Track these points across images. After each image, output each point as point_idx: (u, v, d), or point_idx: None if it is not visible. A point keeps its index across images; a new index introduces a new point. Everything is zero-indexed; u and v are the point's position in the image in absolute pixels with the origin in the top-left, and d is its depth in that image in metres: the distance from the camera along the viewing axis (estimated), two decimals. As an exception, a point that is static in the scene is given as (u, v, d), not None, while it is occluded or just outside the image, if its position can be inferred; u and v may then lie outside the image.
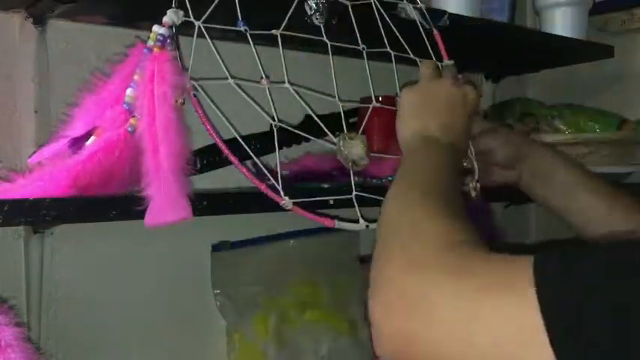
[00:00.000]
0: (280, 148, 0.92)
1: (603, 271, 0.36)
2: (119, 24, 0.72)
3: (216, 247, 0.86)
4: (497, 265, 0.40)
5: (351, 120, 1.00)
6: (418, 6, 0.79)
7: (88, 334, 0.76)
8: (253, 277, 0.89)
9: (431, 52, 0.79)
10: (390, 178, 0.80)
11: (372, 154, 0.69)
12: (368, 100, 0.86)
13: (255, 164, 0.88)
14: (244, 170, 0.60)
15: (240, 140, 0.62)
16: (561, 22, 1.02)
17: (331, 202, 0.65)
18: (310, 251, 0.95)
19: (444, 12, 0.82)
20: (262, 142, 0.90)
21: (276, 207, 0.60)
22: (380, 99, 0.77)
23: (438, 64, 0.77)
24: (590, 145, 0.95)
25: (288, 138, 0.92)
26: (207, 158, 0.81)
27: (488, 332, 0.37)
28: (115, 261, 0.79)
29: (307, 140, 0.84)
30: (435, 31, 0.80)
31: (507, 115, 1.04)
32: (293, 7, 0.67)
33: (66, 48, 0.73)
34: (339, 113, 0.79)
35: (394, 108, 0.75)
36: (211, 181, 0.79)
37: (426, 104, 0.68)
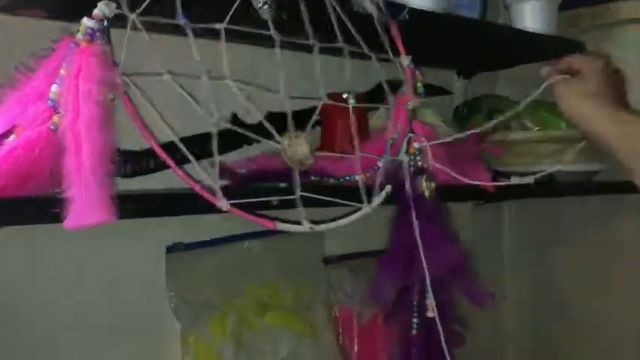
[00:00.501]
0: (240, 146, 0.91)
1: None
2: (60, 17, 0.70)
3: (171, 249, 0.84)
4: None
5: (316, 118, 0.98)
6: (375, 1, 0.76)
7: (37, 339, 0.74)
8: (210, 278, 0.87)
9: (388, 48, 0.76)
10: (347, 178, 0.78)
11: (320, 154, 0.67)
12: (333, 97, 0.84)
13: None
14: (179, 172, 0.58)
15: (177, 141, 0.59)
16: (531, 17, 1.00)
17: (274, 202, 0.63)
18: (272, 252, 0.93)
19: (404, 6, 0.80)
20: (220, 141, 0.88)
21: (213, 208, 0.58)
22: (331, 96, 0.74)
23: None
24: (559, 143, 0.93)
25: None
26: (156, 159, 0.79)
27: None
28: (65, 263, 0.76)
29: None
30: (394, 28, 0.77)
31: (476, 112, 1.02)
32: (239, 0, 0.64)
33: (5, 43, 0.70)
34: (302, 110, 0.77)
35: (345, 105, 0.73)
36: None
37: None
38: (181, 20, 0.59)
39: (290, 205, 0.63)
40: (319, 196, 0.64)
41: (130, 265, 0.81)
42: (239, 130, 0.66)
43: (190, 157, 0.59)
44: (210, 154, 0.85)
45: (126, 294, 0.81)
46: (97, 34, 0.53)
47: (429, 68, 1.13)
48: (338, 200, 0.66)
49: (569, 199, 1.11)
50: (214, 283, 0.87)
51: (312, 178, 0.81)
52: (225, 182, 0.83)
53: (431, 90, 1.12)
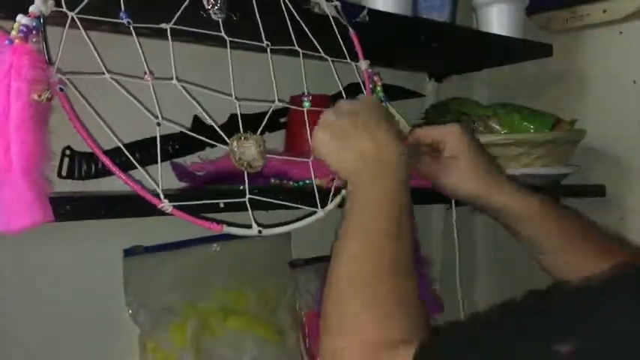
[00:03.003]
0: (201, 149, 0.90)
1: None
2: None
3: (129, 252, 0.83)
4: None
5: (282, 120, 0.97)
6: (333, 3, 0.75)
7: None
8: (171, 282, 0.86)
9: (345, 51, 0.75)
10: (307, 182, 0.77)
11: (271, 156, 0.66)
12: (296, 99, 0.83)
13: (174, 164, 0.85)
14: (121, 175, 0.56)
15: (119, 144, 0.58)
16: (497, 20, 0.99)
17: (222, 205, 0.62)
18: (236, 256, 0.92)
19: (363, 7, 0.79)
20: (182, 143, 0.87)
21: (156, 211, 0.56)
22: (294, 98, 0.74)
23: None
24: (524, 146, 0.92)
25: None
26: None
27: None
28: (17, 267, 0.74)
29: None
30: (351, 31, 0.76)
31: (444, 115, 1.02)
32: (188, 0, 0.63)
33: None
34: (266, 113, 0.76)
35: (299, 108, 0.72)
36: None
37: (345, 129, 0.65)
38: (124, 19, 0.58)
39: (240, 207, 0.62)
40: (269, 199, 0.63)
41: (86, 268, 0.79)
42: (189, 133, 0.65)
43: (132, 159, 0.58)
44: (169, 157, 0.86)
45: (82, 298, 0.79)
46: (33, 32, 0.52)
47: (400, 71, 1.13)
48: (288, 204, 0.65)
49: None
50: (175, 288, 0.86)
51: (272, 180, 0.80)
52: (184, 184, 0.83)
53: (402, 92, 1.13)
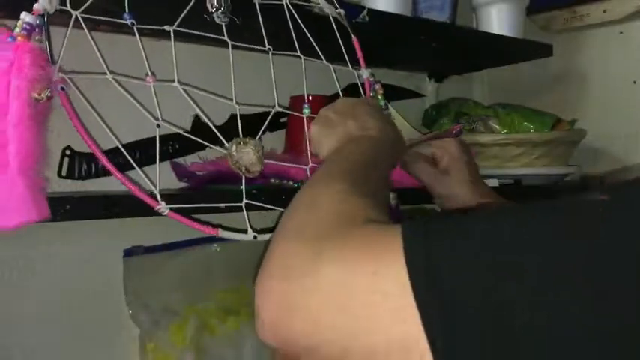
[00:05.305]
0: (202, 149, 0.90)
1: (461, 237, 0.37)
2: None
3: (129, 252, 0.82)
4: (371, 235, 0.40)
5: (283, 120, 0.97)
6: (337, 11, 0.75)
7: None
8: (171, 283, 0.85)
9: (347, 57, 0.75)
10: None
11: (269, 162, 0.66)
12: (296, 99, 0.83)
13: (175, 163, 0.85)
14: (118, 175, 0.56)
15: (118, 144, 0.57)
16: (497, 20, 0.99)
17: (223, 207, 0.62)
18: (237, 256, 0.91)
19: (363, 7, 0.79)
20: (182, 143, 0.87)
21: (155, 211, 0.56)
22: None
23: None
24: (524, 146, 0.92)
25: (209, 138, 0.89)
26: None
27: (358, 298, 0.37)
28: (17, 267, 0.74)
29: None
30: (354, 38, 0.76)
31: (444, 115, 1.01)
32: (192, 2, 0.63)
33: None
34: (265, 112, 0.75)
35: (299, 114, 0.73)
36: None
37: (334, 120, 0.66)
38: (128, 20, 0.58)
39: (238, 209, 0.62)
40: (265, 205, 0.63)
41: (86, 268, 0.79)
42: (188, 135, 0.65)
43: (132, 161, 0.57)
44: (169, 156, 0.86)
45: (82, 298, 0.79)
46: (36, 29, 0.52)
47: (400, 71, 1.13)
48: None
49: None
50: (175, 288, 0.86)
51: (272, 180, 0.80)
52: (183, 184, 0.83)
53: (402, 92, 1.13)
